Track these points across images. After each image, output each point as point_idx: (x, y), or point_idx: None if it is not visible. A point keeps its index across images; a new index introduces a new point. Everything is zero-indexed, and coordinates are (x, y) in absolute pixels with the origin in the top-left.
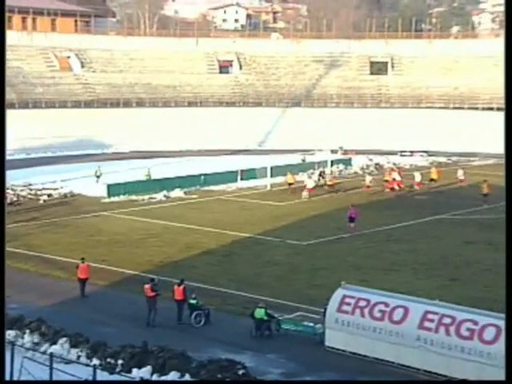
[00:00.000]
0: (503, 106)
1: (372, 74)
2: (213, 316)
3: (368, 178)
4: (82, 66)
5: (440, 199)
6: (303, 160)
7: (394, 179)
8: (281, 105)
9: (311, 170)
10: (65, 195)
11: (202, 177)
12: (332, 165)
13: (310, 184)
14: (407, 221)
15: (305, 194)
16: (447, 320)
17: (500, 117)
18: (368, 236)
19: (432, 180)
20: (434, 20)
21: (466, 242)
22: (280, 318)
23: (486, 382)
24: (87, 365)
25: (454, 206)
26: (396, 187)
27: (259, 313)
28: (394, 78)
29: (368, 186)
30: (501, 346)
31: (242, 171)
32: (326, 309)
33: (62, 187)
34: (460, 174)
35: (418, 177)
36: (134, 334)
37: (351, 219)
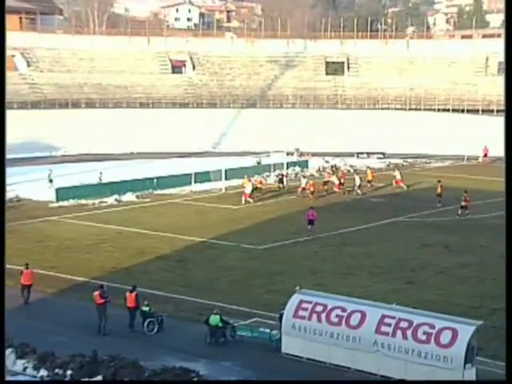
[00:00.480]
0: (459, 107)
1: (328, 74)
2: (166, 323)
3: (303, 181)
4: (28, 65)
5: (396, 202)
6: (258, 162)
7: (331, 182)
8: (235, 106)
9: (266, 173)
10: (11, 200)
11: (155, 180)
12: (288, 167)
13: (248, 189)
14: (364, 224)
15: (244, 199)
16: (404, 324)
17: (456, 118)
18: (324, 239)
19: (369, 182)
20: (389, 20)
21: (422, 244)
22: (235, 325)
23: (485, 382)
24: (34, 376)
25: (410, 209)
26: (336, 190)
27: (214, 319)
28: (350, 79)
29: (303, 188)
30: (457, 349)
31: (195, 174)
32: (281, 314)
33: (7, 191)
34: (397, 174)
35: (357, 180)
36: (84, 343)
37: (310, 221)
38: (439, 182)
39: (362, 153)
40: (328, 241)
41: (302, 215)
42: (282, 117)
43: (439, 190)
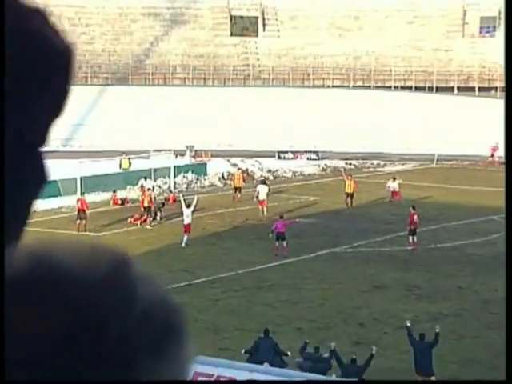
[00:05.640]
0: (425, 83)
1: (234, 35)
2: None
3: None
4: None
5: (336, 223)
6: (124, 169)
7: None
8: (96, 82)
9: (143, 182)
10: None
11: None
12: (176, 174)
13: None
14: (288, 257)
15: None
16: None
17: (422, 99)
18: (230, 281)
19: (348, 195)
20: None
21: (373, 286)
22: None
23: (486, 382)
24: None
25: (357, 234)
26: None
27: None
28: (267, 42)
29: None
30: None
31: None
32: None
33: None
34: (395, 185)
35: (262, 194)
36: None
37: (280, 236)
38: (350, 176)
39: (284, 152)
40: (235, 283)
41: (190, 246)
42: (167, 99)
43: (350, 188)
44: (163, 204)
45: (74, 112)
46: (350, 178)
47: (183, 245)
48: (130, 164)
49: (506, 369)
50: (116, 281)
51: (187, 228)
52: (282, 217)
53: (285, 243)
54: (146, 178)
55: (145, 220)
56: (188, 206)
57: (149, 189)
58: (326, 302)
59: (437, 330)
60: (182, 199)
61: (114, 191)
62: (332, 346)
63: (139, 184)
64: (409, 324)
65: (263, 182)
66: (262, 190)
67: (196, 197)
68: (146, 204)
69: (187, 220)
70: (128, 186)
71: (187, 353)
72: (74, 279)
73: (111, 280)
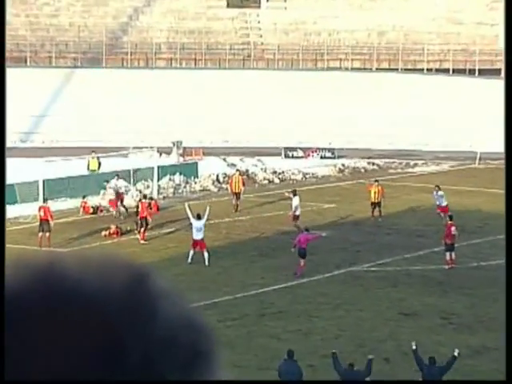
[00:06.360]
0: (465, 65)
1: (231, 6)
2: None
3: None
4: None
5: (356, 237)
6: (93, 170)
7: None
8: (62, 64)
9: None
10: None
11: None
12: (161, 176)
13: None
14: (298, 278)
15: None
16: None
17: (461, 85)
18: (227, 306)
19: (375, 204)
20: None
21: (402, 313)
22: None
23: (485, 382)
24: None
25: (381, 249)
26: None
27: None
28: (272, 15)
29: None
30: None
31: None
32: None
33: None
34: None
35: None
36: None
37: (301, 252)
38: (377, 181)
39: (293, 149)
40: (233, 309)
41: (177, 265)
42: (149, 84)
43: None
44: (126, 209)
45: (36, 100)
46: (375, 183)
47: (188, 260)
48: (99, 165)
49: (506, 369)
50: (133, 297)
51: (200, 245)
52: (307, 229)
53: (302, 261)
54: (118, 177)
55: (143, 232)
56: (198, 217)
57: (122, 192)
58: (344, 334)
59: (455, 354)
60: (187, 209)
61: (85, 197)
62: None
63: (110, 184)
64: (415, 347)
65: (295, 193)
66: (297, 203)
67: (208, 206)
68: (145, 214)
69: (199, 235)
70: (102, 191)
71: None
72: (84, 297)
73: (127, 296)
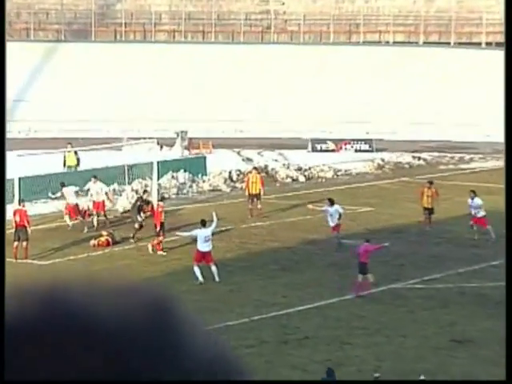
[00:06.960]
0: None
1: None
2: None
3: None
4: None
5: (397, 247)
6: (70, 166)
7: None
8: (42, 37)
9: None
10: None
11: None
12: (162, 173)
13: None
14: (328, 296)
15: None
16: None
17: None
18: (241, 331)
19: (428, 210)
20: None
21: (454, 340)
22: None
23: (486, 382)
24: None
25: (428, 262)
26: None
27: None
28: None
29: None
30: None
31: None
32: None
33: None
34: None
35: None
36: None
37: (362, 267)
38: (431, 183)
39: (321, 141)
40: (249, 334)
41: (182, 281)
42: (147, 61)
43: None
44: (106, 216)
45: (10, 81)
46: (429, 186)
47: (200, 279)
48: (78, 160)
49: (505, 369)
50: (155, 328)
51: (206, 258)
52: (368, 240)
53: (360, 277)
54: (95, 178)
55: (158, 243)
56: (203, 224)
57: (103, 200)
58: (383, 364)
59: None
60: (182, 234)
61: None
62: None
63: (68, 189)
64: (423, 377)
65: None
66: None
67: (214, 212)
68: (162, 219)
69: (206, 246)
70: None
71: None
72: (98, 328)
73: (149, 327)
